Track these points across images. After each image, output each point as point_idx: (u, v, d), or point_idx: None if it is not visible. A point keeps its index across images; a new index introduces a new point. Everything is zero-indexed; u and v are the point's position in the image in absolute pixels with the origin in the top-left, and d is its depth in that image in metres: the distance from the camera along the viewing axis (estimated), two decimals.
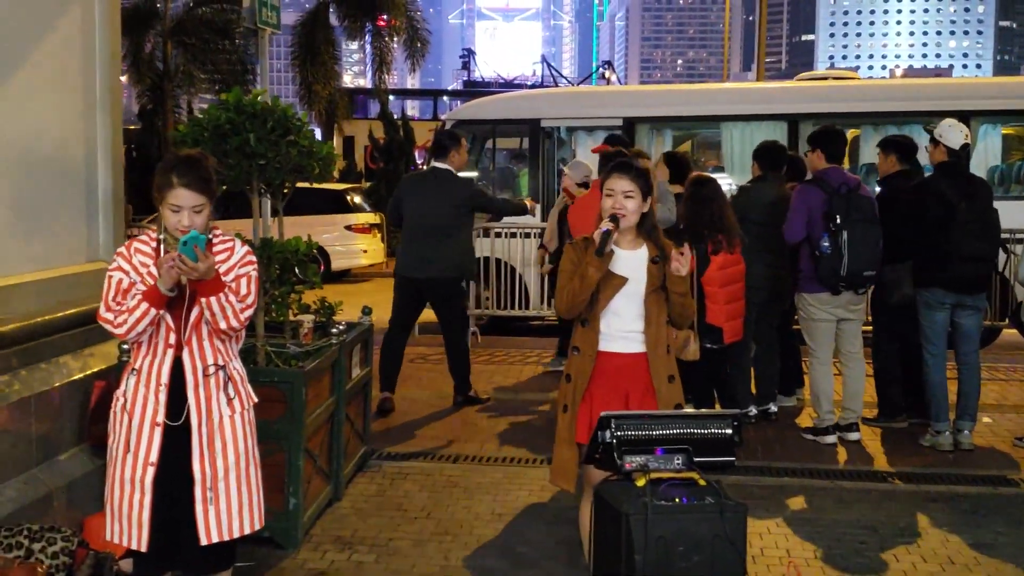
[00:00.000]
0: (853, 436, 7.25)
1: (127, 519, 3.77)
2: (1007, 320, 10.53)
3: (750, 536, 5.23)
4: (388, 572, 4.92)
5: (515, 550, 5.21)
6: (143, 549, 3.77)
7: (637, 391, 4.22)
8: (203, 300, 3.71)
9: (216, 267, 3.73)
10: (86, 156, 5.78)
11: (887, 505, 5.97)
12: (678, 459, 3.55)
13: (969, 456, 6.92)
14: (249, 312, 3.85)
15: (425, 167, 8.89)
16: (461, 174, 8.35)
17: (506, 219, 11.93)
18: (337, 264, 19.92)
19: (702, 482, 3.53)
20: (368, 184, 25.52)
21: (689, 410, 4.06)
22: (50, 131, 5.48)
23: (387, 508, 5.83)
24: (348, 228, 20.42)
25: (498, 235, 11.36)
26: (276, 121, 5.33)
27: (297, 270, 5.75)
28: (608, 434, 3.53)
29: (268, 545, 5.10)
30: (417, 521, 5.62)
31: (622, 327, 4.22)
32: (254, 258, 3.94)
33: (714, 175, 8.29)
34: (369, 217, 21.05)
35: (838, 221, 6.83)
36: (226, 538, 3.84)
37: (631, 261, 4.21)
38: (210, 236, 3.81)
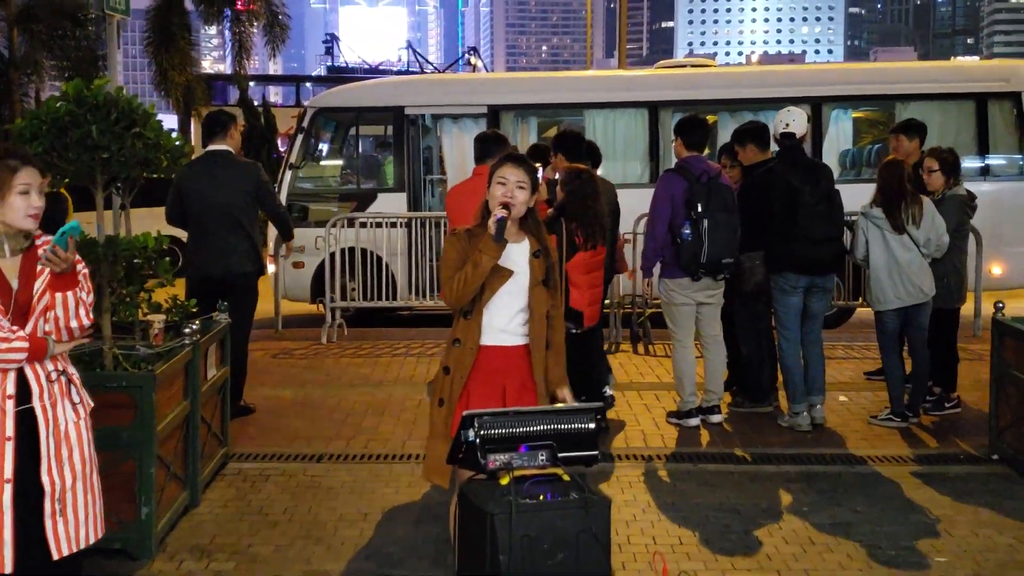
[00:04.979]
0: (715, 418, 7.37)
1: None
2: (861, 299, 10.85)
3: (616, 525, 5.27)
4: None
5: (382, 551, 5.09)
6: (8, 571, 3.56)
7: (514, 385, 4.18)
8: (58, 296, 3.55)
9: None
10: None
11: (749, 487, 6.07)
12: (542, 455, 3.50)
13: (827, 435, 7.10)
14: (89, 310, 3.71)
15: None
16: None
17: (373, 207, 11.81)
18: None
19: (566, 477, 3.49)
20: None
21: (551, 406, 4.01)
22: None
23: (247, 513, 5.64)
24: None
25: (363, 225, 11.18)
26: (120, 112, 5.09)
27: (148, 267, 5.52)
28: (471, 433, 3.46)
29: (120, 556, 4.88)
30: (279, 525, 5.45)
31: (505, 320, 4.18)
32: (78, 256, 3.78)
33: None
34: None
35: (699, 209, 6.91)
36: (75, 550, 3.68)
37: (514, 254, 4.17)
38: (36, 235, 3.66)
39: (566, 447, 3.51)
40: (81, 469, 3.68)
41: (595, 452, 3.56)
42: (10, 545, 3.54)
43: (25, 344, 3.52)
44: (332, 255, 10.99)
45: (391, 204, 11.89)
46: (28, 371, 3.59)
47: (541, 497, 3.39)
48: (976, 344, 9.75)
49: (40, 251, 3.57)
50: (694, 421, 7.27)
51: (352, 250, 11.15)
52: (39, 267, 3.60)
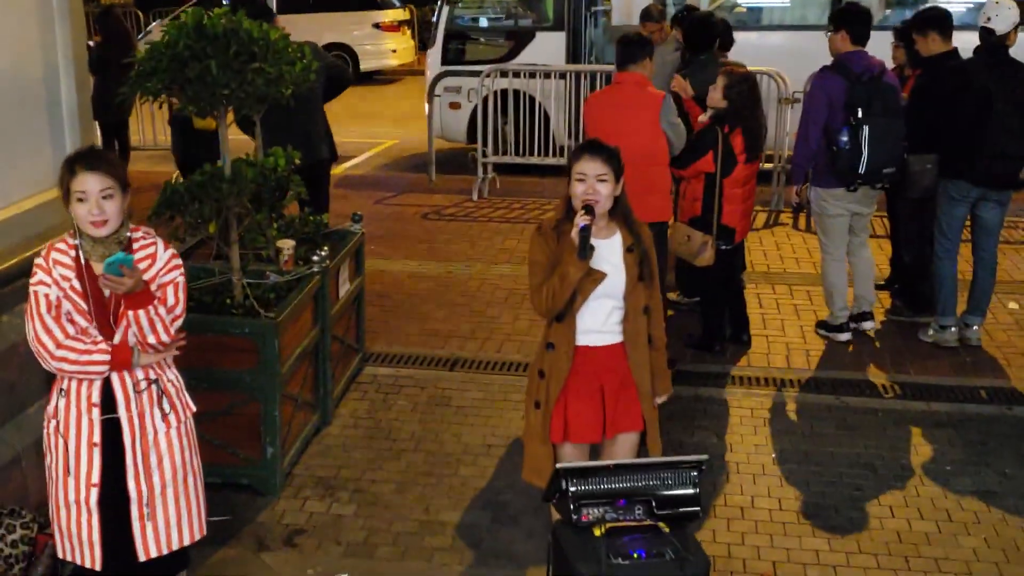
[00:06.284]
0: (868, 325, 7.01)
1: (77, 539, 3.68)
2: None
3: (743, 479, 5.30)
4: (365, 530, 4.81)
5: (499, 498, 5.09)
6: (97, 568, 3.70)
7: (612, 385, 3.98)
8: (130, 314, 3.49)
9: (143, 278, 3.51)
10: (45, 70, 5.31)
11: (892, 432, 5.75)
12: (639, 509, 3.34)
13: (986, 359, 6.65)
14: (178, 323, 3.64)
15: None
16: None
17: (530, 48, 11.39)
18: (366, 65, 19.30)
19: (666, 529, 3.33)
20: None
21: (649, 459, 3.77)
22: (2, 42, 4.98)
23: (376, 436, 5.70)
24: (376, 26, 19.64)
25: (516, 75, 10.80)
26: (240, 46, 4.86)
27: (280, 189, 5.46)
28: (564, 483, 3.32)
29: (248, 492, 5.05)
30: (404, 456, 5.49)
31: (600, 321, 3.94)
32: (179, 262, 3.68)
33: None
34: (398, 14, 20.23)
35: (859, 114, 6.31)
36: (164, 552, 3.75)
37: (605, 251, 3.87)
38: (131, 236, 3.57)
39: (664, 505, 3.33)
40: (172, 476, 3.70)
41: (696, 509, 3.37)
42: (98, 545, 3.66)
43: (106, 357, 3.49)
44: (485, 101, 10.72)
45: (550, 44, 11.39)
46: (115, 380, 3.59)
47: (635, 556, 3.26)
48: None
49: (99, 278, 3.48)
50: (844, 336, 6.90)
51: (504, 92, 10.86)
52: None
